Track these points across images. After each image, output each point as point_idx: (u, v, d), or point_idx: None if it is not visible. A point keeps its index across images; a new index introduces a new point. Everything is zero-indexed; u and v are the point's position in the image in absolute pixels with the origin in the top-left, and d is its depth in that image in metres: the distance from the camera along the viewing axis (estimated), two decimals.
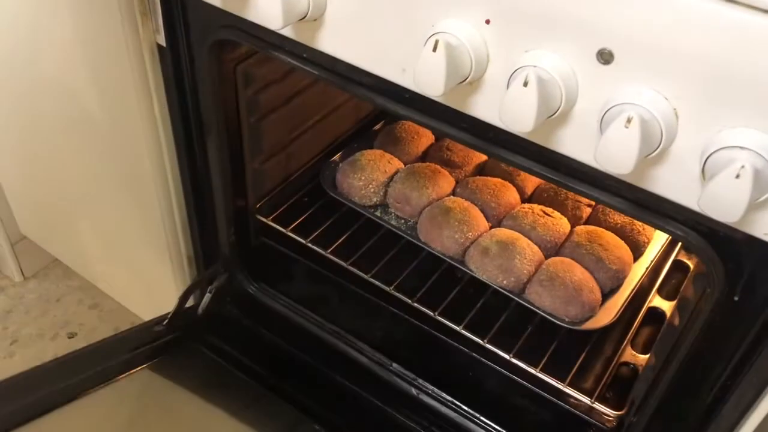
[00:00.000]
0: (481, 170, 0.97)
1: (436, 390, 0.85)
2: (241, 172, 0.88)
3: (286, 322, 0.93)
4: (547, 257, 0.84)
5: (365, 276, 0.88)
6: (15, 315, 1.35)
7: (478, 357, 0.85)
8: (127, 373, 0.89)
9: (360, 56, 0.56)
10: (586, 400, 0.77)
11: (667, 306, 0.88)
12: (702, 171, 0.43)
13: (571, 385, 0.78)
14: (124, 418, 0.88)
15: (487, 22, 0.47)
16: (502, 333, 0.82)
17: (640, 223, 0.87)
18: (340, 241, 0.91)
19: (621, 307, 0.80)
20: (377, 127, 1.04)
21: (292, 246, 0.95)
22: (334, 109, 1.00)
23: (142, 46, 0.75)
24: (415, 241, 0.86)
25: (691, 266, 0.93)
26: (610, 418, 0.78)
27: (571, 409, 0.80)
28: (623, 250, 0.84)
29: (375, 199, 0.91)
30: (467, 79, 0.49)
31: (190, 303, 0.94)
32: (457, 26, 0.48)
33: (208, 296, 0.95)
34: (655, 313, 0.88)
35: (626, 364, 0.84)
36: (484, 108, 0.51)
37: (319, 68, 0.62)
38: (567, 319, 0.78)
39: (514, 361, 0.80)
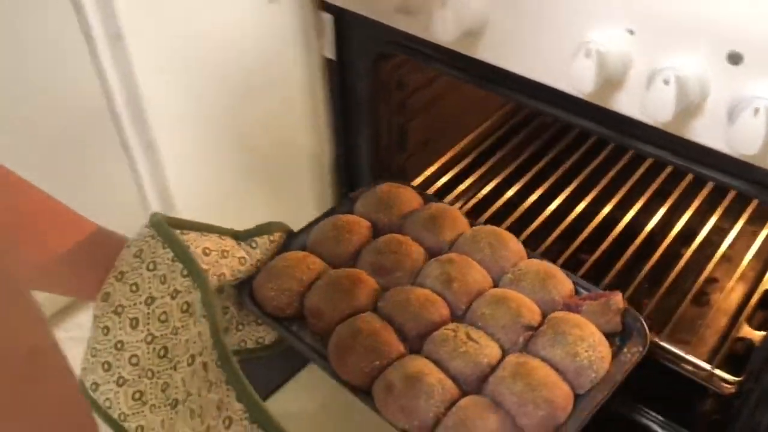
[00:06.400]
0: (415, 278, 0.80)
1: None
2: (388, 168, 1.00)
3: None
4: (465, 394, 0.70)
5: None
6: None
7: None
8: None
9: (515, 63, 0.67)
10: (707, 366, 0.85)
11: None
12: None
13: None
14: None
15: (630, 32, 0.58)
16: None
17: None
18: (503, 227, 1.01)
19: None
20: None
21: None
22: (470, 110, 1.12)
23: (313, 59, 0.89)
24: (321, 369, 0.74)
25: None
26: (729, 386, 0.85)
27: (692, 376, 0.88)
28: (557, 390, 0.67)
29: (289, 311, 0.78)
30: (612, 80, 0.59)
31: None
32: (604, 36, 0.58)
33: None
34: None
35: (742, 339, 0.91)
36: (626, 104, 0.61)
37: (472, 75, 0.74)
38: None
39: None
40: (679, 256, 0.99)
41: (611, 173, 1.11)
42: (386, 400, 0.68)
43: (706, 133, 0.58)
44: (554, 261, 0.95)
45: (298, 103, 0.95)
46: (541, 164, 1.13)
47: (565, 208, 1.05)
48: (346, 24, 0.84)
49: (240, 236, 0.80)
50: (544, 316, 0.74)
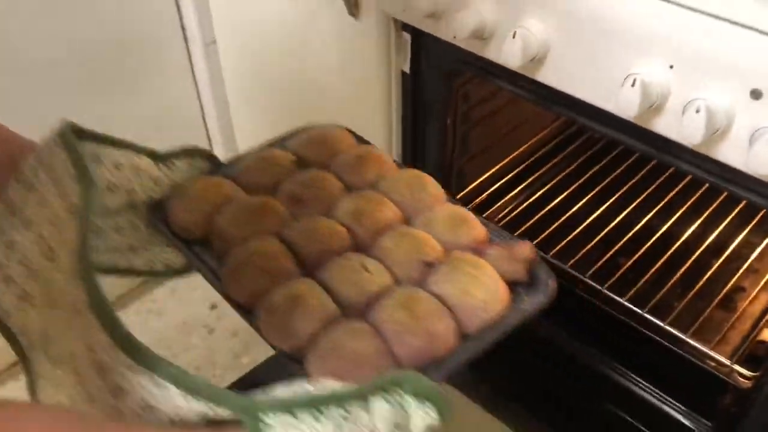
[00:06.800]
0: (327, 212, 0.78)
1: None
2: (449, 169, 1.13)
3: None
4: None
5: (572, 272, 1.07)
6: None
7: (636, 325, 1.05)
8: None
9: (571, 86, 0.79)
10: (727, 362, 0.95)
11: None
12: None
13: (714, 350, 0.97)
14: None
15: (671, 66, 0.69)
16: (658, 307, 1.02)
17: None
18: (547, 234, 1.13)
19: None
20: None
21: None
22: (526, 122, 1.23)
23: (390, 72, 1.02)
24: (216, 290, 0.72)
25: None
26: (747, 381, 0.95)
27: (713, 371, 0.98)
28: (439, 324, 0.65)
29: (197, 233, 0.77)
30: (653, 105, 0.70)
31: None
32: (648, 68, 0.70)
33: None
34: None
35: (763, 342, 1.01)
36: (664, 126, 0.72)
37: (532, 94, 0.85)
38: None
39: (668, 328, 0.99)
40: (710, 265, 1.09)
41: (651, 188, 1.22)
42: (266, 319, 0.66)
43: (731, 154, 0.68)
44: (595, 263, 1.08)
45: (374, 110, 1.07)
46: (586, 176, 1.24)
47: (607, 216, 1.17)
48: (422, 43, 0.96)
49: (159, 156, 0.79)
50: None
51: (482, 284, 0.67)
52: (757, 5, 0.64)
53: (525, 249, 0.71)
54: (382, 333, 0.64)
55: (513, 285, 0.70)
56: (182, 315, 1.61)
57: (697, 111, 0.65)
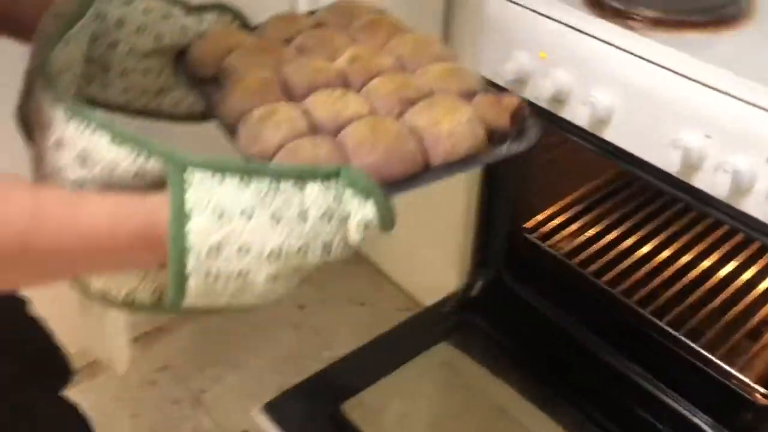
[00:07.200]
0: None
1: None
2: (519, 200, 1.32)
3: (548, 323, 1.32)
4: None
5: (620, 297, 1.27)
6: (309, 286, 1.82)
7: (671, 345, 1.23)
8: (428, 349, 1.27)
9: (629, 143, 0.98)
10: (750, 382, 1.13)
11: None
12: None
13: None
14: (430, 389, 1.26)
15: (708, 136, 0.88)
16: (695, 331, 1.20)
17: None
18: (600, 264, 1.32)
19: None
20: None
21: (550, 258, 1.38)
22: (587, 167, 1.43)
23: None
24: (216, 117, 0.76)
25: None
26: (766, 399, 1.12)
27: (737, 389, 1.15)
28: (400, 144, 0.65)
29: (211, 72, 0.80)
30: (692, 165, 0.89)
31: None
32: (690, 135, 0.89)
33: (479, 284, 1.41)
34: None
35: None
36: (702, 180, 0.90)
37: (595, 146, 1.05)
38: None
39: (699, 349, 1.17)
40: (743, 300, 1.28)
41: (690, 234, 1.42)
42: (242, 131, 0.69)
43: (752, 207, 0.87)
44: (637, 291, 1.27)
45: None
46: (636, 218, 1.44)
47: (656, 252, 1.37)
48: None
49: (190, 8, 0.83)
50: None
51: (454, 119, 0.67)
52: None
53: (512, 99, 0.71)
54: (343, 148, 0.66)
55: (501, 136, 0.69)
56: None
57: (725, 172, 0.84)
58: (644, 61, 0.92)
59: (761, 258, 1.35)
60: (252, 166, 0.53)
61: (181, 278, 0.51)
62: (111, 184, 0.54)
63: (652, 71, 0.91)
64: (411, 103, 0.70)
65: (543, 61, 1.02)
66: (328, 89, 0.72)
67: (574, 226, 1.43)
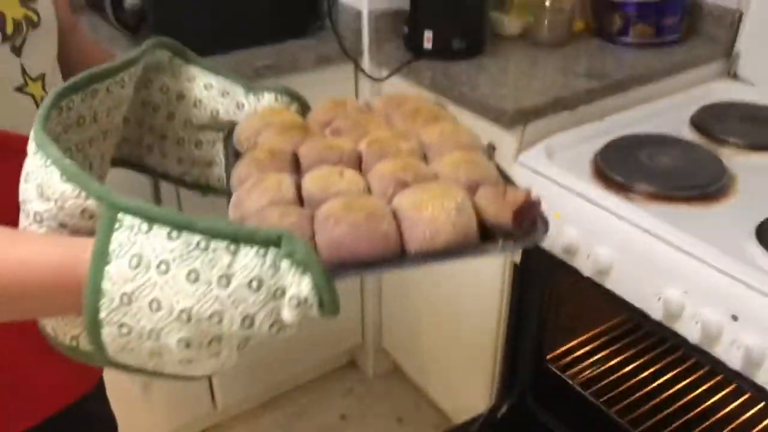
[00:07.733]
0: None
1: None
2: (543, 334, 1.52)
3: None
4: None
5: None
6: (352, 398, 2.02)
7: None
8: None
9: (633, 295, 1.17)
10: None
11: None
12: None
13: None
14: None
15: (685, 292, 1.08)
16: None
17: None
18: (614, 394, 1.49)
19: None
20: None
21: (569, 387, 1.56)
22: (602, 307, 1.63)
23: (505, 272, 1.46)
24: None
25: None
26: None
27: None
28: (372, 224, 0.59)
29: (246, 146, 0.79)
30: (673, 314, 1.09)
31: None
32: (671, 291, 1.09)
33: (505, 407, 1.58)
34: None
35: None
36: (680, 326, 1.09)
37: (601, 294, 1.26)
38: None
39: None
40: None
41: (697, 374, 1.58)
42: (233, 195, 0.68)
43: (722, 352, 1.05)
44: (644, 422, 1.44)
45: (489, 286, 1.51)
46: (650, 355, 1.62)
47: (665, 386, 1.54)
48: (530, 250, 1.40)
49: (251, 87, 0.84)
50: None
51: (440, 205, 0.60)
52: (738, 266, 1.03)
53: (518, 195, 0.62)
54: (315, 219, 0.61)
55: (503, 232, 0.62)
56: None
57: (696, 322, 1.04)
58: (638, 228, 1.14)
59: (742, 396, 1.52)
60: (184, 220, 0.48)
61: (95, 325, 0.49)
62: (64, 221, 0.53)
63: (643, 237, 1.14)
64: (406, 185, 0.66)
65: (557, 220, 1.25)
66: (332, 166, 0.70)
67: (592, 359, 1.62)
